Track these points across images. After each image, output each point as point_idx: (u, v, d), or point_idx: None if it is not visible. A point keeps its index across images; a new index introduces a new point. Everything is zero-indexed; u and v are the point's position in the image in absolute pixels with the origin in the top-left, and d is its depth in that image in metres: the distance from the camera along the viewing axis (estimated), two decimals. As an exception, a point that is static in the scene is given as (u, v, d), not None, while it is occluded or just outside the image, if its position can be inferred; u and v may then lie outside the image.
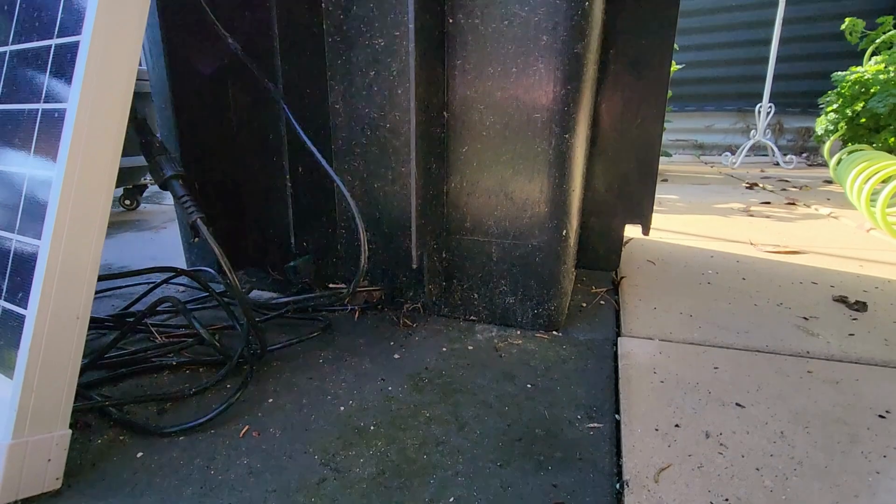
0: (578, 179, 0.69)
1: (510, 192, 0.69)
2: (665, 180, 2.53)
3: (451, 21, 0.65)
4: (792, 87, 3.51)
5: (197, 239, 0.59)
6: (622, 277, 0.93)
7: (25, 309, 0.40)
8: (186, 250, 0.94)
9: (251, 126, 0.76)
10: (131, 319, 0.68)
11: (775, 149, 3.07)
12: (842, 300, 0.83)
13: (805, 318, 0.76)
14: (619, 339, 0.70)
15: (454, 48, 0.66)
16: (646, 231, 0.83)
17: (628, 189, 0.84)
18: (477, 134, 0.68)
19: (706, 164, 3.50)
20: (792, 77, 3.48)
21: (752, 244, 1.19)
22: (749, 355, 0.65)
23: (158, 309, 0.67)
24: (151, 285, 0.84)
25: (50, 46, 0.44)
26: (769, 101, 3.05)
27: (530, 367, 0.63)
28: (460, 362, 0.64)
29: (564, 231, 0.69)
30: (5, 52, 0.47)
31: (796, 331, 0.72)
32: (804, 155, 3.57)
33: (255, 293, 0.88)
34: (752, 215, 1.59)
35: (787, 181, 2.47)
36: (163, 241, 1.29)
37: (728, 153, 3.39)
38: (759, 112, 3.08)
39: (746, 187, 2.24)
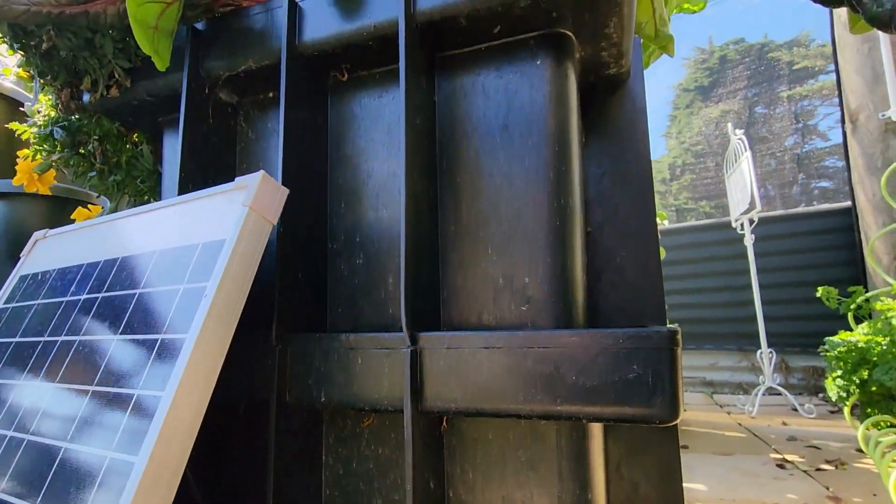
0: None
1: None
2: (685, 447, 2.37)
3: (444, 426, 0.64)
4: (786, 328, 3.61)
5: None
6: None
7: None
8: None
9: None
10: None
11: (791, 397, 2.98)
12: None
13: None
14: None
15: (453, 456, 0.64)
16: None
17: None
18: None
19: (721, 407, 3.37)
20: (783, 318, 3.61)
21: None
22: None
23: None
24: None
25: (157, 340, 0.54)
26: (768, 347, 3.09)
27: None
28: None
29: None
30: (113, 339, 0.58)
31: None
32: (820, 395, 3.46)
33: None
34: (798, 536, 1.41)
35: (817, 448, 2.31)
36: None
37: (741, 394, 3.30)
38: (762, 358, 3.09)
39: (777, 465, 2.08)
